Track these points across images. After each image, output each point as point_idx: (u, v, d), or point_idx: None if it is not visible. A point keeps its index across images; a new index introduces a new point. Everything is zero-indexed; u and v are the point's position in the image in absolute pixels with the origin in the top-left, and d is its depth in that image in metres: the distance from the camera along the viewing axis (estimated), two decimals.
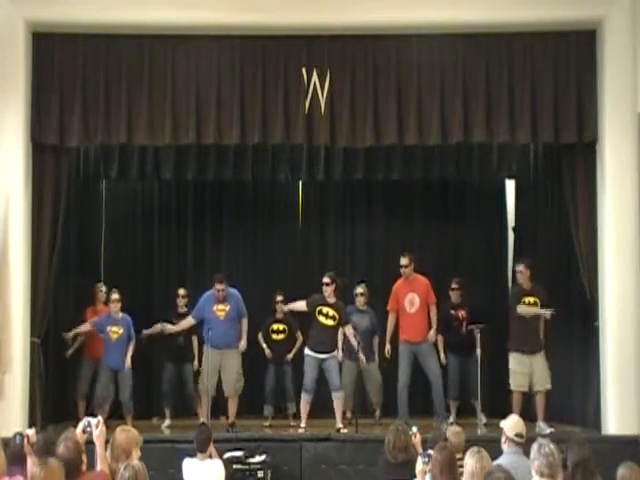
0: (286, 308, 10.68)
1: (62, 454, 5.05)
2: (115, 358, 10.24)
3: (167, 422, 10.73)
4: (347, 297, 10.84)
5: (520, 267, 10.17)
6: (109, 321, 10.34)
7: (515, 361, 9.98)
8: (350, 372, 10.63)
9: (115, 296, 10.40)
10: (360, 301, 10.88)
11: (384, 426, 9.49)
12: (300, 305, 10.31)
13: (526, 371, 9.91)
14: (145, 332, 10.84)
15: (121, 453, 5.37)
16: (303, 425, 9.97)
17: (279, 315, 11.12)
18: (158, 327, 10.83)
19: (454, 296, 10.97)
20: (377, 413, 10.97)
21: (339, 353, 10.17)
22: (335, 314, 10.05)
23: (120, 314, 10.39)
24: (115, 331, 10.29)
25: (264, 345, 11.03)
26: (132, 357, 10.35)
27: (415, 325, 10.35)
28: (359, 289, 10.95)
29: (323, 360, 10.00)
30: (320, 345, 10.01)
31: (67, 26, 9.61)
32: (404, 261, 10.47)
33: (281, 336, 11.09)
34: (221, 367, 10.05)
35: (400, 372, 10.33)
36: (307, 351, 10.10)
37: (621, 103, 9.54)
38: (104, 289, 10.95)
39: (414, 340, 10.32)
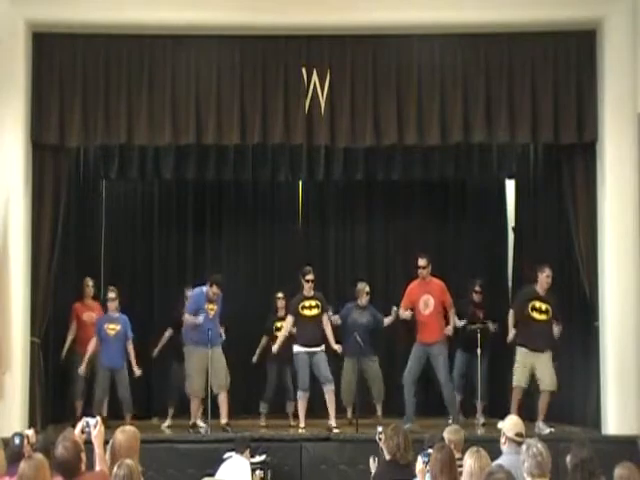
0: (277, 345, 10.45)
1: (61, 454, 5.05)
2: (112, 356, 10.24)
3: (168, 422, 10.72)
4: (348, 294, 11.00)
5: (547, 271, 9.93)
6: (105, 320, 10.34)
7: (519, 355, 9.98)
8: (351, 369, 10.63)
9: (112, 295, 10.42)
10: (363, 298, 10.88)
11: (385, 426, 9.48)
12: (286, 327, 10.33)
13: (527, 367, 9.90)
14: (156, 351, 11.06)
15: (121, 454, 5.36)
16: (302, 425, 10.01)
17: (281, 312, 11.16)
18: (166, 336, 10.87)
19: (478, 297, 11.05)
20: (379, 412, 10.94)
21: (331, 340, 10.18)
22: (317, 303, 10.21)
23: (117, 313, 10.39)
24: (112, 327, 10.30)
25: (262, 343, 11.13)
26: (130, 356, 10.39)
27: (429, 326, 10.32)
28: (362, 286, 10.93)
29: (313, 354, 10.05)
30: (309, 338, 10.11)
31: (67, 26, 9.61)
32: (422, 262, 10.39)
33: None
34: (210, 364, 9.88)
35: (407, 367, 10.34)
36: (297, 348, 10.16)
37: (621, 103, 9.54)
38: (91, 283, 10.96)
39: (427, 341, 10.30)
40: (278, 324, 11.16)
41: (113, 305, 10.40)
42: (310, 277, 10.25)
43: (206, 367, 9.85)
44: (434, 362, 10.29)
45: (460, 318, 10.75)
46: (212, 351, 9.85)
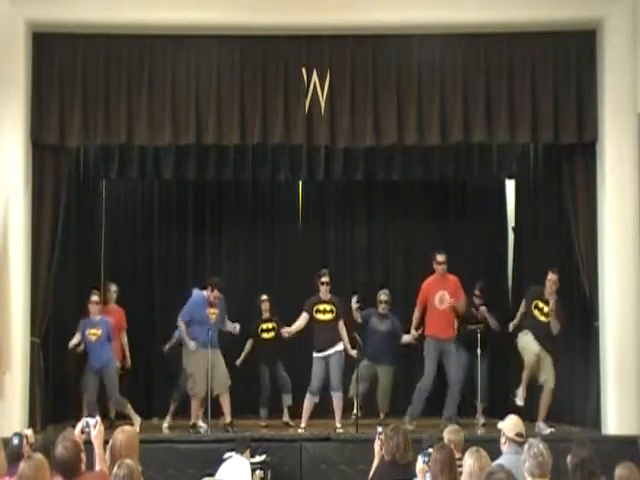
0: (287, 333, 10.38)
1: (61, 454, 5.06)
2: (97, 357, 10.14)
3: (168, 419, 10.69)
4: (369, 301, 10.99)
5: (551, 276, 9.93)
6: (87, 324, 10.27)
7: (529, 336, 9.96)
8: (364, 369, 10.62)
9: (94, 298, 10.36)
10: (383, 307, 10.82)
11: (385, 426, 9.47)
12: (300, 323, 10.24)
13: (537, 350, 9.88)
14: (167, 347, 10.99)
15: (121, 454, 5.37)
16: (303, 425, 9.98)
17: (266, 315, 11.20)
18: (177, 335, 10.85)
19: (478, 301, 11.05)
20: (382, 416, 10.87)
21: (347, 346, 10.09)
22: (332, 308, 10.13)
23: (98, 316, 10.34)
24: (94, 333, 10.20)
25: (246, 348, 11.17)
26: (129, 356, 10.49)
27: (444, 321, 10.28)
28: (383, 296, 10.87)
29: (328, 357, 10.00)
30: (323, 343, 10.04)
31: (67, 26, 9.61)
32: (442, 258, 10.30)
33: (271, 334, 11.17)
34: (211, 366, 9.89)
35: (426, 373, 10.21)
36: (314, 354, 10.12)
37: (621, 103, 9.54)
38: (114, 289, 11.02)
39: (442, 336, 10.23)
40: (263, 326, 11.18)
41: (94, 308, 10.31)
42: (325, 279, 10.18)
43: (206, 368, 9.85)
44: (447, 361, 10.23)
45: (467, 320, 10.75)
46: (213, 353, 9.86)
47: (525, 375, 9.92)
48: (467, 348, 10.76)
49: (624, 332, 9.44)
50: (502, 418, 6.22)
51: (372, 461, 6.51)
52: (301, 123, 9.66)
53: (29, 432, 5.78)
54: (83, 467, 5.18)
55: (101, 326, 10.28)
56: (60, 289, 10.22)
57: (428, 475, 5.34)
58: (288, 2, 9.58)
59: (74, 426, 5.67)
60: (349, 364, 10.32)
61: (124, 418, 10.07)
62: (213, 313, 10.13)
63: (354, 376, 10.37)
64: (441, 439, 6.49)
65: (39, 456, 4.97)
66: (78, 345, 10.29)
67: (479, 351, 10.32)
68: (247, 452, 8.66)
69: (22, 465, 4.87)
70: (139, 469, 5.03)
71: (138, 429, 8.85)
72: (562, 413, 10.17)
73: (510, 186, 12.41)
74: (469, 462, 5.05)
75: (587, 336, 9.96)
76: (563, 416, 10.16)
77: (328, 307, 10.15)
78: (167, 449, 9.11)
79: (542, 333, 9.96)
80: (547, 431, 9.53)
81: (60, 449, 5.08)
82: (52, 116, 9.62)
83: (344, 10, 9.58)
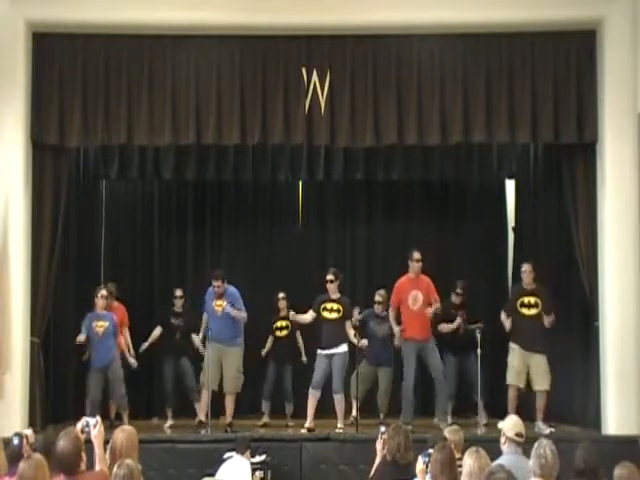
0: (292, 316, 10.43)
1: (62, 450, 5.06)
2: (102, 354, 10.15)
3: (169, 422, 10.70)
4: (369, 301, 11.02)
5: (525, 267, 10.10)
6: (93, 317, 10.26)
7: (513, 355, 9.99)
8: (366, 371, 10.63)
9: (103, 292, 10.38)
10: (379, 308, 10.81)
11: (387, 425, 9.46)
12: (306, 317, 10.24)
13: (522, 367, 9.91)
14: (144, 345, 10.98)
15: (121, 453, 5.37)
16: (308, 424, 9.86)
17: (282, 313, 11.19)
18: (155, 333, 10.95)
19: (457, 299, 10.97)
20: (381, 417, 10.86)
21: (359, 343, 10.01)
22: (339, 307, 10.09)
23: (104, 311, 10.36)
24: (101, 325, 10.21)
25: (267, 345, 11.22)
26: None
27: (420, 322, 10.23)
28: (377, 297, 10.84)
29: (332, 356, 9.97)
30: (328, 341, 10.02)
31: (67, 26, 9.62)
32: (419, 255, 10.29)
33: (284, 332, 11.20)
34: (222, 363, 10.01)
35: (406, 373, 10.20)
36: (318, 351, 10.12)
37: (621, 103, 9.54)
38: (112, 287, 10.98)
39: (419, 338, 10.20)
40: (279, 324, 11.19)
41: (102, 303, 10.30)
42: (329, 277, 10.14)
43: (216, 362, 9.97)
44: (428, 360, 10.20)
45: (444, 318, 10.67)
46: (217, 350, 9.93)
47: (510, 409, 9.74)
48: (456, 352, 10.70)
49: (624, 332, 9.44)
50: (502, 418, 6.22)
51: (372, 461, 6.52)
52: (301, 123, 9.66)
53: (29, 432, 5.78)
54: (83, 466, 5.18)
55: (107, 319, 10.29)
56: (60, 289, 10.23)
57: (428, 476, 5.34)
58: (288, 2, 9.58)
59: (75, 425, 5.67)
60: (350, 365, 10.34)
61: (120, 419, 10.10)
62: (219, 305, 10.15)
63: (353, 376, 10.39)
64: (444, 439, 6.49)
65: (39, 456, 4.98)
66: (84, 345, 10.27)
67: (479, 351, 10.30)
68: (247, 452, 8.66)
69: (22, 465, 4.87)
70: (139, 469, 5.03)
71: None
72: (562, 413, 10.17)
73: (510, 186, 12.42)
74: (469, 462, 5.05)
75: (587, 336, 9.96)
76: (563, 416, 10.15)
77: (335, 306, 10.11)
78: (167, 449, 9.12)
79: (531, 332, 9.91)
80: (547, 431, 9.51)
81: (62, 443, 5.09)
82: (52, 116, 9.63)
83: (344, 10, 9.59)
